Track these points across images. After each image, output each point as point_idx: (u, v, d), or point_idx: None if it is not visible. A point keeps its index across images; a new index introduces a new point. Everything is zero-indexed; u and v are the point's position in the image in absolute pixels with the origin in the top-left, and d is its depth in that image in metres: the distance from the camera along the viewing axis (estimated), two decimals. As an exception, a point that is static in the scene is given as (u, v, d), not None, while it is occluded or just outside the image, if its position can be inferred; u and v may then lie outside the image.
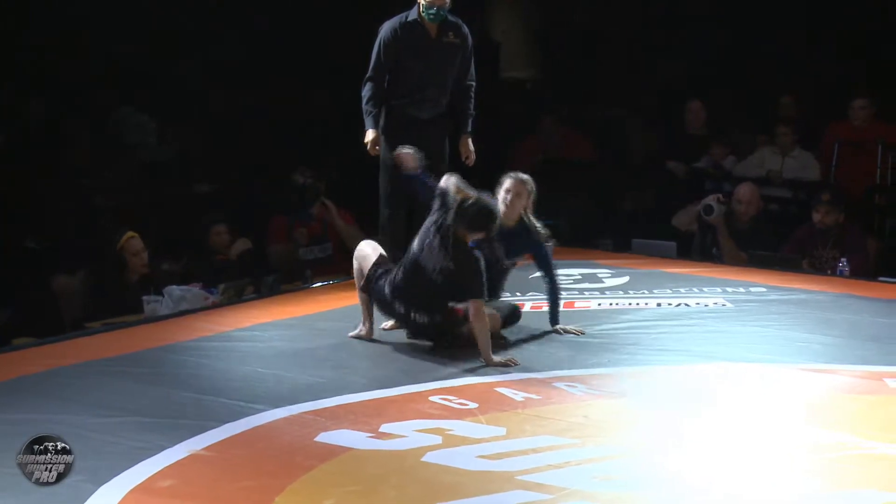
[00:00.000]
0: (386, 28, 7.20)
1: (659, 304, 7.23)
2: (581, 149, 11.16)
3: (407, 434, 4.80)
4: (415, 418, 4.99)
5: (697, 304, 7.28)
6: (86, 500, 4.08)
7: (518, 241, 6.48)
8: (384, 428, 4.85)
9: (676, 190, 10.31)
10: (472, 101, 7.36)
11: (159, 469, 4.37)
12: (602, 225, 10.32)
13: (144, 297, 7.09)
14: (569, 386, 5.51)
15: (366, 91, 7.19)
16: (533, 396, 5.32)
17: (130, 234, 7.54)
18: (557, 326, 6.46)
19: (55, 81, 9.85)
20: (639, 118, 11.65)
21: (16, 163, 9.11)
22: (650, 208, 10.59)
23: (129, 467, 4.35)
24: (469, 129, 7.31)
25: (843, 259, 8.43)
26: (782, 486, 4.37)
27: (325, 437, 4.73)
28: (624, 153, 11.41)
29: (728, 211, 9.04)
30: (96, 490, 4.15)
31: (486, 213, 5.90)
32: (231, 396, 5.22)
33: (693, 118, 10.65)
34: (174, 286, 7.17)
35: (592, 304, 7.21)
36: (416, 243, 6.00)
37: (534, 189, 6.54)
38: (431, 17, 7.09)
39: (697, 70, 11.73)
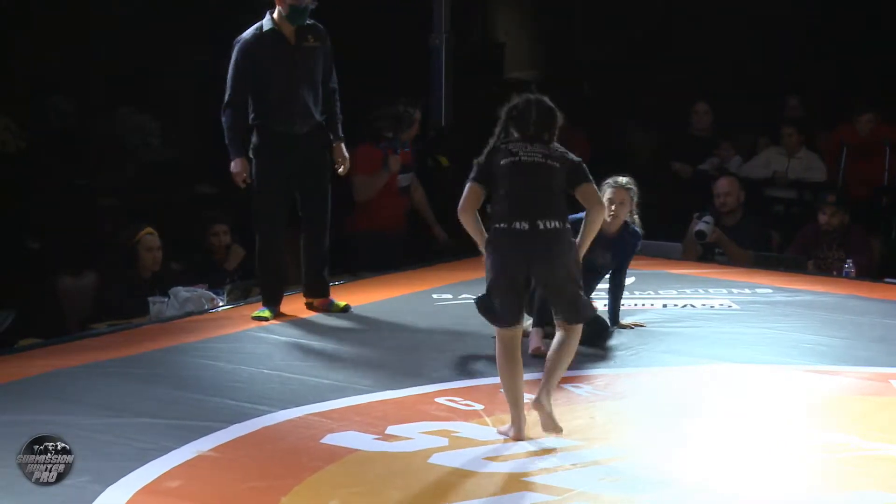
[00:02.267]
0: (240, 45, 6.61)
1: (665, 305, 7.23)
2: (581, 149, 11.13)
3: (413, 436, 4.80)
4: (421, 420, 5.00)
5: (703, 305, 7.28)
6: (93, 501, 4.09)
7: (620, 246, 6.33)
8: (390, 430, 4.85)
9: (682, 191, 10.30)
10: (338, 104, 6.87)
11: (166, 470, 4.38)
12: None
13: (150, 299, 7.09)
14: (574, 387, 5.51)
15: (227, 119, 6.61)
16: (539, 398, 5.32)
17: (148, 230, 7.50)
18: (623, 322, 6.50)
19: (60, 82, 9.85)
20: (643, 119, 11.65)
21: (17, 164, 9.11)
22: (655, 209, 10.56)
23: (136, 468, 4.36)
24: (341, 134, 6.85)
25: (848, 260, 8.42)
26: (787, 487, 4.38)
27: (331, 439, 4.74)
28: (627, 154, 11.40)
29: (716, 215, 8.99)
30: (103, 491, 4.16)
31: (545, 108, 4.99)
32: (237, 397, 5.22)
33: (699, 119, 10.63)
34: (180, 287, 7.16)
35: (598, 305, 7.18)
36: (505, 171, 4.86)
37: (636, 191, 6.35)
38: (297, 17, 6.55)
39: (702, 71, 11.74)
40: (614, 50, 12.62)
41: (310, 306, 6.99)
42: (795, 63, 11.55)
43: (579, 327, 4.93)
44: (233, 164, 6.64)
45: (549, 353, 4.92)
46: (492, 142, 4.97)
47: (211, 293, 7.24)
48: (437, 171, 9.68)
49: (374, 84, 9.89)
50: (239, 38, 6.66)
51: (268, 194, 6.72)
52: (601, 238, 5.81)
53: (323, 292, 6.97)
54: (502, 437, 4.79)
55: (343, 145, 6.89)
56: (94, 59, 9.89)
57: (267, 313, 6.76)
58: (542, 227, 4.76)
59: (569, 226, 4.86)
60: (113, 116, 10.03)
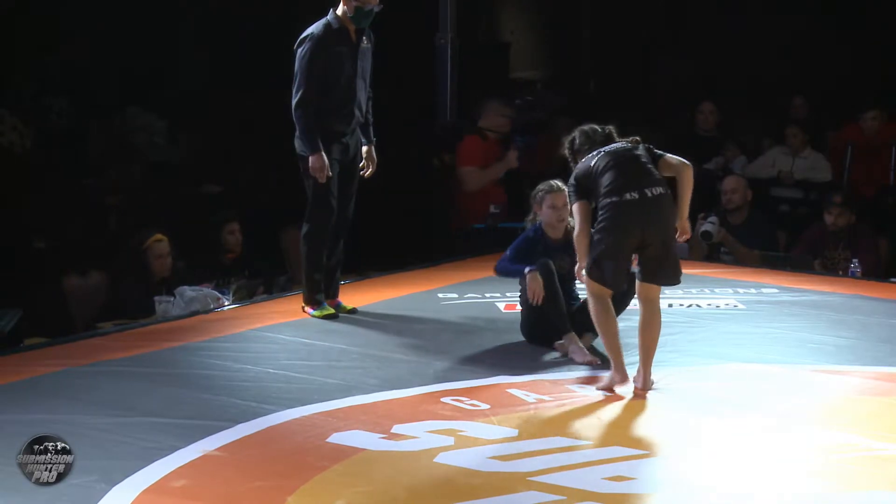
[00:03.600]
0: (315, 40, 6.56)
1: (670, 305, 7.20)
2: None
3: (419, 435, 4.80)
4: (427, 419, 5.00)
5: (709, 305, 7.28)
6: (99, 501, 4.09)
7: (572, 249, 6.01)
8: (396, 429, 4.85)
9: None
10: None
11: (172, 469, 4.38)
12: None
13: (156, 298, 7.09)
14: (580, 387, 5.51)
15: (302, 115, 6.55)
16: (544, 398, 5.33)
17: (158, 236, 7.46)
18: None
19: (67, 82, 9.86)
20: (647, 119, 11.64)
21: (23, 163, 9.12)
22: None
23: (142, 468, 4.36)
24: (373, 137, 6.87)
25: (854, 260, 8.42)
26: (793, 487, 4.37)
27: (336, 438, 4.74)
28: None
29: (722, 214, 8.97)
30: (109, 490, 4.16)
31: (590, 131, 5.76)
32: (243, 397, 5.22)
33: (704, 119, 10.62)
34: (185, 287, 7.16)
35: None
36: (609, 174, 5.43)
37: None
38: (362, 19, 6.59)
39: (707, 70, 11.73)
40: (619, 49, 12.61)
41: None
42: (800, 62, 11.54)
43: (660, 302, 5.56)
44: (312, 159, 6.58)
45: (640, 331, 5.54)
46: (577, 170, 5.52)
47: (216, 293, 7.24)
48: (442, 171, 9.68)
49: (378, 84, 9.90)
50: (309, 33, 6.62)
51: (329, 188, 6.68)
52: (551, 246, 6.15)
53: (333, 293, 6.97)
54: (505, 436, 4.79)
55: (373, 148, 6.90)
56: (99, 58, 9.90)
57: (330, 309, 6.78)
58: (649, 194, 5.36)
59: (670, 192, 5.45)
60: (119, 116, 10.04)
